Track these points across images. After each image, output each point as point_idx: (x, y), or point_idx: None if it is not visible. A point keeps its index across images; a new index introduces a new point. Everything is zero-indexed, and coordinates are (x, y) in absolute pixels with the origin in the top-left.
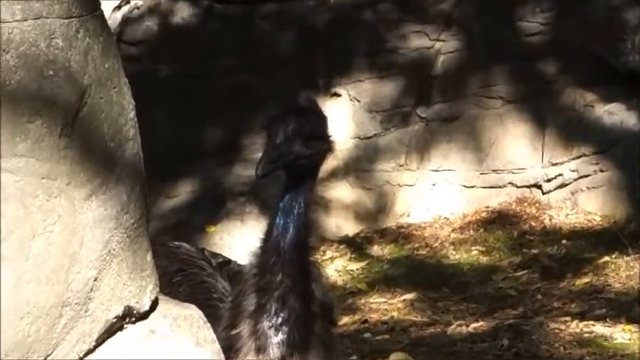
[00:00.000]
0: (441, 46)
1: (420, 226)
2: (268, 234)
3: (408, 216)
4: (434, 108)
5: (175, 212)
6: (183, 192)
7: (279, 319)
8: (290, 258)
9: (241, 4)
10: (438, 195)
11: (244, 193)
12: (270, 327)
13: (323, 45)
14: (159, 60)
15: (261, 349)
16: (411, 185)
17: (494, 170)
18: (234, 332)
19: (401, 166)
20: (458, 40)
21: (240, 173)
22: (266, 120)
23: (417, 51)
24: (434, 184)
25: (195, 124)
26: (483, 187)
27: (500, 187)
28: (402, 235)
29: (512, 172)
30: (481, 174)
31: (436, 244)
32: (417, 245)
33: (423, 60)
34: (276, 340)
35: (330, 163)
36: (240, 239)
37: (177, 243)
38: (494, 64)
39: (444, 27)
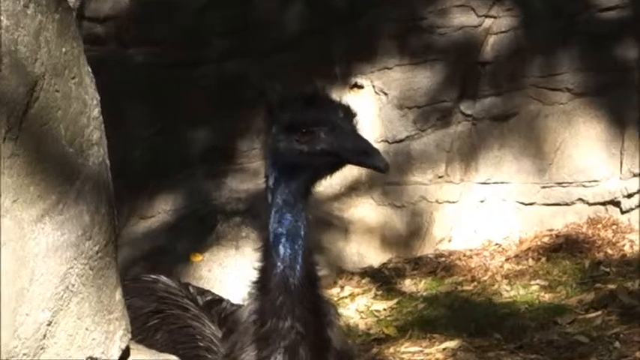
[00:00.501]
0: (492, 24)
1: (464, 255)
2: (269, 267)
3: (450, 241)
4: (482, 103)
5: (152, 237)
6: (162, 211)
7: None
8: (301, 297)
9: None
10: (488, 214)
11: (239, 212)
12: None
13: (340, 23)
14: (131, 43)
15: None
16: (453, 202)
17: (559, 183)
18: None
19: (440, 177)
20: (513, 17)
21: (235, 187)
22: (289, 106)
23: (460, 30)
24: (482, 201)
25: (178, 124)
26: (546, 205)
27: (567, 204)
28: (441, 266)
29: (583, 185)
30: (543, 187)
31: (485, 278)
32: (460, 279)
33: (468, 42)
34: None
35: (349, 173)
36: (234, 271)
37: (153, 276)
38: (559, 47)
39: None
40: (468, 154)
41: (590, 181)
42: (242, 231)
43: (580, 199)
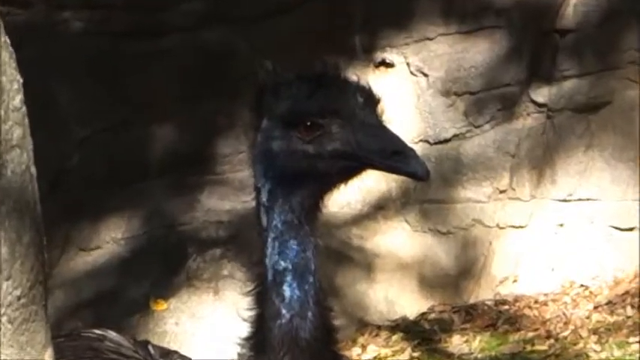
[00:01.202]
0: None
1: (536, 301)
2: (269, 316)
3: (515, 282)
4: (561, 87)
5: (97, 276)
6: (111, 240)
7: None
8: (315, 356)
9: None
10: (569, 244)
11: (220, 240)
12: None
13: None
14: (66, 5)
15: None
16: (520, 227)
17: None
18: None
19: (502, 192)
20: None
21: (214, 205)
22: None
23: None
24: (561, 225)
25: (133, 117)
26: None
27: None
28: (504, 317)
29: None
30: None
31: (566, 333)
32: (530, 335)
33: (540, 3)
34: None
35: (373, 186)
36: (212, 324)
37: (99, 332)
38: None
39: None
40: (541, 159)
41: None
42: (223, 267)
43: None
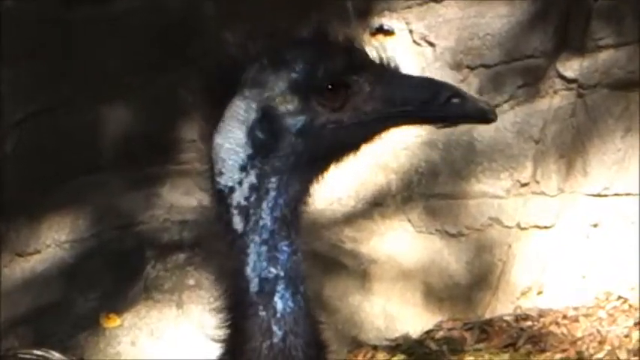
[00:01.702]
0: None
1: (565, 316)
2: (253, 334)
3: (540, 293)
4: (595, 60)
5: (36, 286)
6: (54, 243)
7: None
8: None
9: None
10: (605, 248)
11: (183, 244)
12: None
13: None
14: None
15: None
16: (545, 227)
17: None
18: None
19: (524, 185)
20: None
21: (177, 201)
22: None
23: None
24: (595, 225)
25: (79, 97)
26: None
27: None
28: (526, 335)
29: None
30: None
31: (601, 355)
32: (558, 356)
33: None
34: None
35: (368, 178)
36: (176, 344)
37: (39, 352)
38: None
39: None
40: (570, 146)
41: None
42: (188, 276)
43: None
